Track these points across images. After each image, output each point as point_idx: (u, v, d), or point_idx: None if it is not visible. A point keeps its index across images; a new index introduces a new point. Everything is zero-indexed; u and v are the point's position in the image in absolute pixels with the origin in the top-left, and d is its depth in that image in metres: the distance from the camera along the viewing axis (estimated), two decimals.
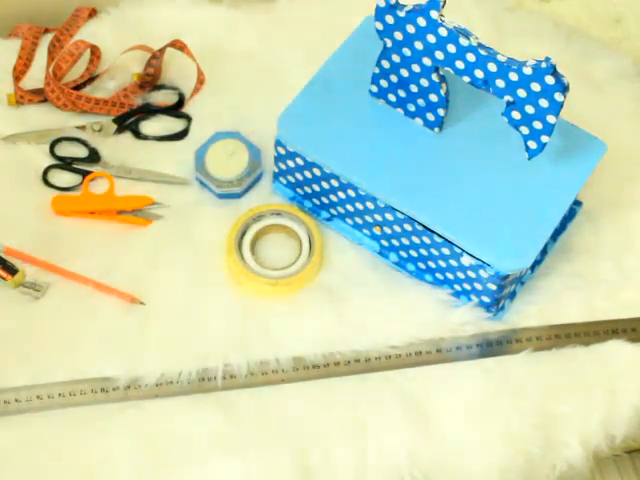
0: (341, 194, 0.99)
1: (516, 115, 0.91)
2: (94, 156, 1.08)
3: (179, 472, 0.92)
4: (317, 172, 0.99)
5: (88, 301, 1.00)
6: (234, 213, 1.04)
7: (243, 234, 1.02)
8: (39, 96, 1.11)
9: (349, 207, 1.01)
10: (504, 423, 0.96)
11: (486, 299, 0.98)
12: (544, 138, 0.92)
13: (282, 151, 1.00)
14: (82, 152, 1.08)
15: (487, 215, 0.94)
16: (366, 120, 0.99)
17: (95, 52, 1.12)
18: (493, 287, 0.96)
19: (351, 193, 0.98)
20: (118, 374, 0.95)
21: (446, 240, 0.95)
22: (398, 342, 0.99)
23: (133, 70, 1.13)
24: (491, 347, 0.99)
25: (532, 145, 0.93)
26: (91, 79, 1.13)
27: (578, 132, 0.99)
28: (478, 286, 0.97)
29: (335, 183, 0.99)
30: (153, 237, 1.03)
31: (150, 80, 1.12)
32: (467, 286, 0.98)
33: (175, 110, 1.12)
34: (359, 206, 0.99)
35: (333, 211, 1.03)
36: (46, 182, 1.06)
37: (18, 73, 1.12)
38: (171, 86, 1.13)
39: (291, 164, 1.01)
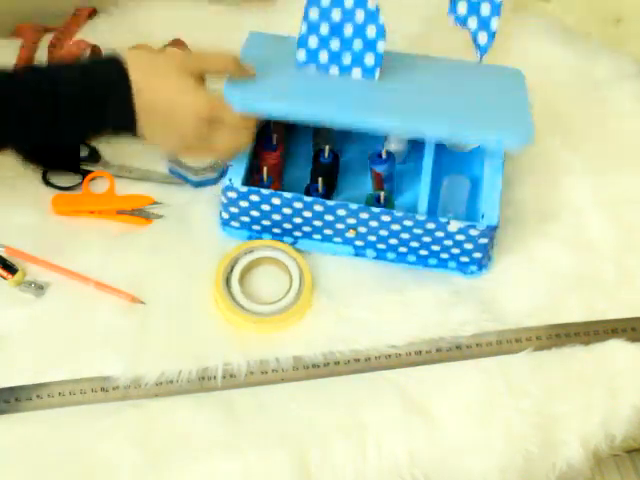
0: (307, 213, 0.99)
1: (462, 8, 0.91)
2: (94, 155, 1.08)
3: (179, 472, 0.92)
4: (277, 201, 0.98)
5: (88, 301, 0.99)
6: None
7: (232, 267, 1.01)
8: None
9: (317, 223, 1.00)
10: (504, 423, 0.96)
11: (478, 255, 1.00)
12: (494, 22, 0.91)
13: (233, 195, 0.98)
14: (82, 152, 1.08)
15: (470, 114, 0.95)
16: (309, 81, 0.96)
17: (95, 52, 1.12)
18: (485, 241, 0.97)
19: (318, 208, 0.98)
20: (118, 373, 0.95)
21: (428, 220, 0.95)
22: (398, 342, 0.99)
23: None
24: (491, 347, 0.99)
25: (482, 39, 0.93)
26: None
27: (493, 66, 1.01)
28: (469, 246, 0.98)
29: (299, 205, 0.98)
30: (153, 237, 1.04)
31: None
32: (456, 250, 1.00)
33: None
34: (329, 217, 0.99)
35: (297, 233, 1.02)
36: (46, 181, 1.06)
37: None
38: None
39: (244, 204, 0.99)
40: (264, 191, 0.97)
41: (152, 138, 0.92)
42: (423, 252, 1.02)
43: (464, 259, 1.01)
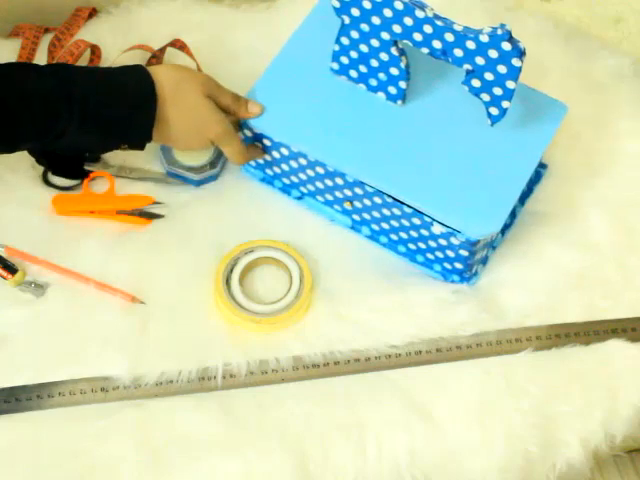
0: (310, 172, 1.00)
1: (476, 83, 0.92)
2: (94, 156, 1.08)
3: (179, 472, 0.92)
4: (285, 152, 0.99)
5: (88, 301, 0.99)
6: (234, 211, 1.05)
7: (232, 267, 1.01)
8: None
9: (319, 184, 1.01)
10: (504, 423, 0.96)
11: (459, 266, 1.00)
12: (505, 104, 0.93)
13: (249, 133, 1.00)
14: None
15: (454, 182, 0.96)
16: (330, 97, 1.00)
17: (95, 52, 1.12)
18: (465, 253, 0.97)
19: (320, 170, 0.99)
20: (118, 373, 0.95)
21: (416, 210, 0.95)
22: (398, 342, 0.99)
23: None
24: (491, 347, 0.99)
25: (494, 111, 0.95)
26: None
27: (538, 96, 1.01)
28: (450, 253, 0.98)
29: (303, 161, 0.99)
30: (153, 237, 1.03)
31: None
32: (439, 254, 1.00)
33: None
34: (329, 182, 1.00)
35: (303, 189, 1.04)
36: (46, 182, 1.06)
37: None
38: None
39: (258, 145, 1.01)
40: (275, 138, 0.98)
41: (164, 142, 0.99)
42: (412, 246, 1.02)
43: (447, 265, 1.01)
